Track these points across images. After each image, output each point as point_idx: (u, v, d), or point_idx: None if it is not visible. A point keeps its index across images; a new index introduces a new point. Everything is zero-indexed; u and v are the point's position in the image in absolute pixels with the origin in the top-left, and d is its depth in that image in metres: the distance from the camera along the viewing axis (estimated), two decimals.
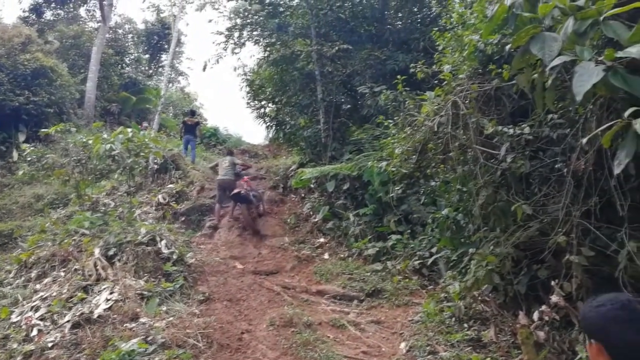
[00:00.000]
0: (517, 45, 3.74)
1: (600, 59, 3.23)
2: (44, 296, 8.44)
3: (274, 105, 19.12)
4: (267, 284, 9.51)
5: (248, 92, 19.97)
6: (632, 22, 3.48)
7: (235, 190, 13.07)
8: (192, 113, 20.86)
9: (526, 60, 3.92)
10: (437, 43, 8.43)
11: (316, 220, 12.90)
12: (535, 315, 5.66)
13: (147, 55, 33.06)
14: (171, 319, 7.58)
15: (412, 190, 10.27)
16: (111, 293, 8.12)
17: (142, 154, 12.26)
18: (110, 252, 9.23)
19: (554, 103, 5.63)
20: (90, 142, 11.89)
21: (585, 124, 5.02)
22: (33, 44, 20.45)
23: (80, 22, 30.01)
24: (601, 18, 3.29)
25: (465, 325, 6.90)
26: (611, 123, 3.20)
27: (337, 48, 14.29)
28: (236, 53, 17.69)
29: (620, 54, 3.06)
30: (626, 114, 2.98)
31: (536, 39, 3.52)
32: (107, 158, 12.19)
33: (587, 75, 3.09)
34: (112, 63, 26.57)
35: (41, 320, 7.77)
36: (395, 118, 9.04)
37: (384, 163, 8.56)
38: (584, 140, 3.95)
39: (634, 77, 3.13)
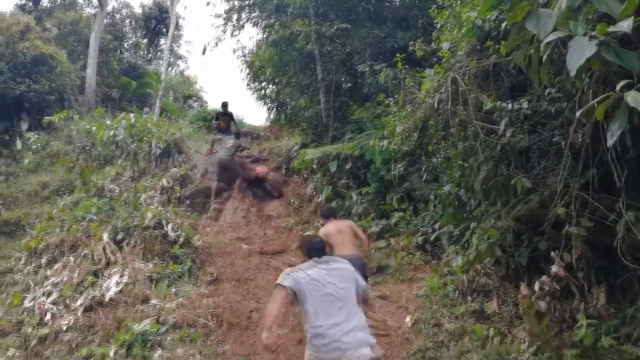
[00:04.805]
0: (513, 22, 3.81)
1: (593, 33, 3.30)
2: (55, 281, 8.62)
3: (274, 87, 19.12)
4: (273, 263, 9.66)
5: (248, 74, 19.98)
6: None
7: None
8: (225, 106, 17.72)
9: (522, 37, 3.99)
10: (436, 20, 8.47)
11: (319, 200, 13.00)
12: (536, 286, 5.79)
13: (145, 40, 32.92)
14: (181, 300, 7.76)
15: (414, 167, 10.34)
16: (121, 276, 8.30)
17: (145, 139, 12.33)
18: (119, 237, 9.38)
19: (552, 77, 5.71)
20: (93, 128, 11.97)
21: (582, 97, 5.09)
22: (31, 32, 20.39)
23: (78, 8, 29.86)
24: None
25: (469, 297, 7.06)
26: (605, 96, 3.28)
27: (336, 27, 14.26)
28: (235, 35, 17.65)
29: (612, 28, 3.13)
30: (618, 86, 3.07)
31: (531, 16, 3.58)
32: (110, 144, 12.28)
33: (581, 51, 3.16)
34: (110, 49, 26.45)
35: (54, 304, 7.95)
36: (395, 96, 9.09)
37: (386, 141, 8.63)
38: (579, 113, 4.03)
39: (626, 50, 3.21)
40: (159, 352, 6.37)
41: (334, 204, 7.73)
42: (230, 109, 17.64)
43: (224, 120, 17.38)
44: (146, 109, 20.78)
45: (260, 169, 14.87)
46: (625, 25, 3.07)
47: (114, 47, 27.17)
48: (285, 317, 5.24)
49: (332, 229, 7.14)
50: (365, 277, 6.62)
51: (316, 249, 4.67)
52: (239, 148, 15.02)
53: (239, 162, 14.63)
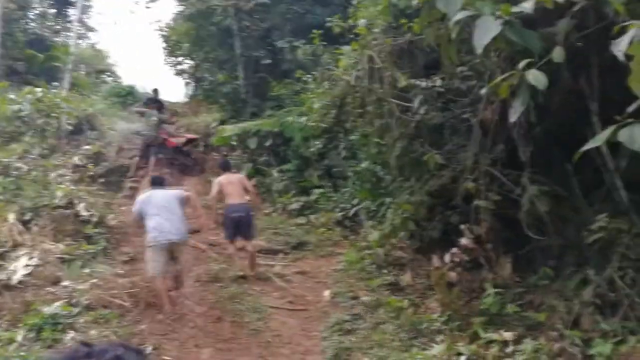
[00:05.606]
0: (424, 0, 3.89)
1: (499, 13, 3.42)
2: None
3: (191, 62, 18.67)
4: (192, 242, 9.51)
5: (164, 48, 19.41)
6: None
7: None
8: (156, 93, 16.18)
9: (433, 15, 4.09)
10: None
11: None
12: (447, 258, 6.02)
13: (53, 10, 31.13)
14: (95, 280, 7.50)
15: (332, 144, 10.45)
16: (30, 258, 7.91)
17: (53, 114, 11.75)
18: (26, 217, 8.92)
19: (462, 56, 5.89)
20: None
21: (490, 76, 5.28)
22: None
23: None
24: None
25: (385, 271, 7.26)
26: (509, 74, 3.43)
27: (254, 2, 14.07)
28: (148, 8, 17.05)
29: (515, 8, 3.26)
30: (520, 65, 3.21)
31: None
32: (15, 120, 11.64)
33: (486, 30, 3.28)
34: (14, 19, 24.86)
35: None
36: (314, 73, 9.11)
37: (304, 118, 8.67)
38: (483, 91, 4.20)
39: (528, 30, 3.36)
40: (71, 334, 6.15)
41: (227, 161, 9.66)
42: (160, 96, 16.43)
43: (152, 107, 16.10)
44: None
45: (191, 135, 14.80)
46: (528, 6, 3.21)
47: (18, 17, 25.52)
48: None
49: (224, 180, 8.19)
50: (251, 223, 8.11)
51: (155, 181, 7.59)
52: (163, 123, 14.67)
53: (167, 132, 14.32)
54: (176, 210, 6.99)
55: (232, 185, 8.10)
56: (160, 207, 6.89)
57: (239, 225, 7.95)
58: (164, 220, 6.80)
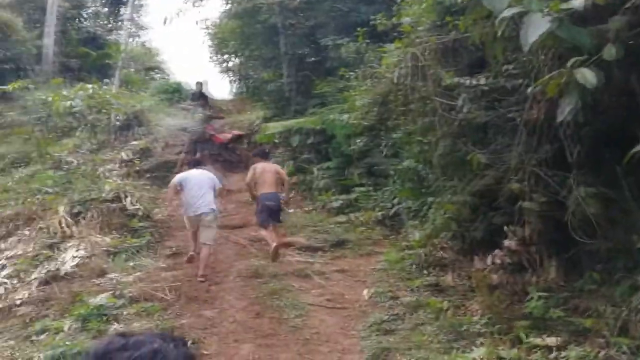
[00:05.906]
0: None
1: (548, 10, 3.32)
2: (9, 255, 8.43)
3: (237, 59, 18.87)
4: (233, 237, 9.64)
5: (211, 46, 19.67)
6: None
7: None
8: (200, 87, 17.14)
9: (479, 13, 4.01)
10: None
11: None
12: (489, 260, 5.91)
13: (105, 9, 31.91)
14: (139, 273, 7.69)
15: (374, 142, 10.39)
16: (78, 250, 8.18)
17: (104, 110, 12.09)
18: (75, 210, 9.22)
19: (509, 54, 5.76)
20: (50, 99, 11.67)
21: (537, 74, 5.15)
22: None
23: None
24: None
25: (425, 271, 7.17)
26: (557, 72, 3.33)
27: (299, 0, 14.12)
28: (197, 6, 17.27)
29: (564, 5, 3.15)
30: (569, 64, 3.11)
31: None
32: (67, 115, 12.00)
33: (535, 27, 3.18)
34: (69, 17, 25.60)
35: (8, 278, 7.79)
36: (357, 70, 9.07)
37: (346, 116, 8.65)
38: (529, 90, 4.09)
39: (578, 27, 3.25)
40: (115, 325, 6.30)
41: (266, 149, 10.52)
42: (205, 89, 16.84)
43: (196, 103, 16.23)
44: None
45: (237, 132, 15.29)
46: (577, 3, 3.10)
47: (72, 16, 26.27)
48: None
49: (260, 168, 8.64)
50: (280, 210, 8.74)
51: (193, 163, 8.94)
52: (211, 118, 15.03)
53: (214, 128, 14.64)
54: (207, 189, 7.97)
55: (267, 174, 8.54)
56: (194, 184, 7.93)
57: (271, 213, 8.43)
58: (195, 195, 7.84)
